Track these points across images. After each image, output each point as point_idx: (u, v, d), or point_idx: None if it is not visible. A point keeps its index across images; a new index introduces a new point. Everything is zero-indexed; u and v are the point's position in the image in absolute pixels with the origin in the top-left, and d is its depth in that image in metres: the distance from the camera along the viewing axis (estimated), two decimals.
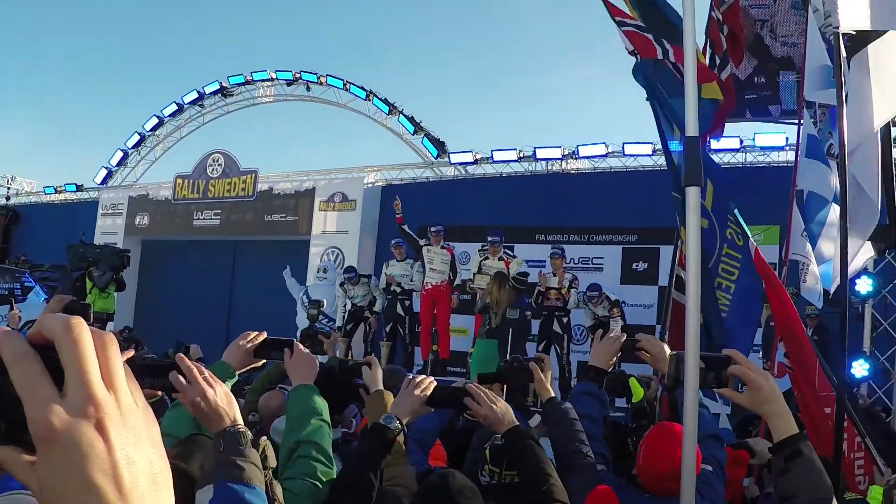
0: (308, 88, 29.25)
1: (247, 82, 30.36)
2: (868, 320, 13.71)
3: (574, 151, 23.25)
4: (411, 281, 18.30)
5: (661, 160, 19.77)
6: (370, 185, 26.09)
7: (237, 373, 4.26)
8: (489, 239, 17.40)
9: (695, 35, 4.37)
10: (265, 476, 3.18)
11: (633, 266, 20.07)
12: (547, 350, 16.14)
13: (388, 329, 18.68)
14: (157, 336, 22.17)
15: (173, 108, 31.77)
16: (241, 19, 77.85)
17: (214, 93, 31.02)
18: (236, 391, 6.61)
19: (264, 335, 4.37)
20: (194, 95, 31.29)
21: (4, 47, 72.60)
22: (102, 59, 77.86)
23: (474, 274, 17.38)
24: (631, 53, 7.85)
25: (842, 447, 6.35)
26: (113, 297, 16.70)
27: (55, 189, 34.64)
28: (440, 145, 25.98)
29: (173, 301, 29.22)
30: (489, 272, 16.69)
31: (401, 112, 26.89)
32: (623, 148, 22.26)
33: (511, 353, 14.15)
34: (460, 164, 25.37)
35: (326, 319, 19.97)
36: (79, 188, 33.84)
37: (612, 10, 7.99)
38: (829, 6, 7.04)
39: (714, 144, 18.74)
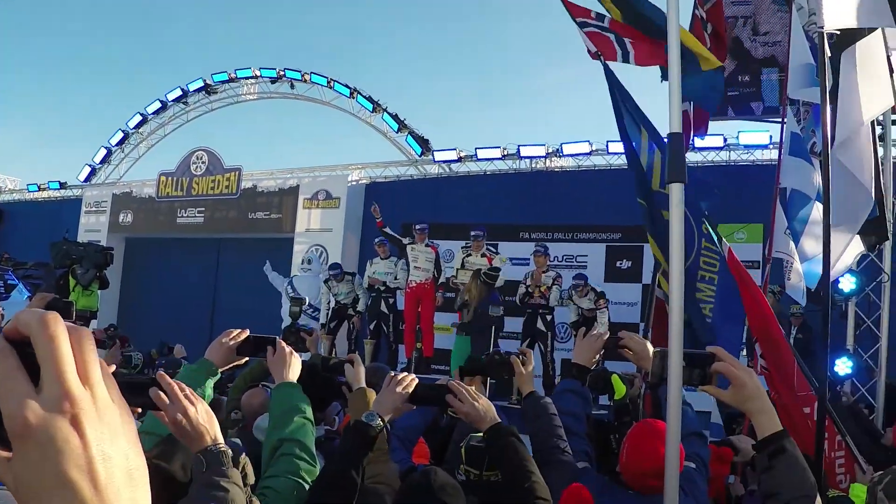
0: (292, 86, 29.23)
1: (231, 80, 30.31)
2: (851, 318, 13.73)
3: (558, 149, 23.27)
4: (395, 279, 18.32)
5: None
6: (354, 183, 26.08)
7: (220, 370, 4.24)
8: (472, 234, 17.42)
9: (678, 32, 4.36)
10: (246, 494, 3.18)
11: (617, 264, 20.11)
12: (531, 348, 16.12)
13: (372, 327, 18.68)
14: (141, 334, 22.15)
15: (157, 105, 31.70)
16: (226, 17, 77.82)
17: (198, 90, 30.97)
18: (219, 388, 6.61)
19: (247, 333, 4.36)
20: (178, 93, 31.24)
21: None
22: (86, 56, 77.83)
23: (457, 270, 17.43)
24: (594, 56, 7.84)
25: (823, 444, 6.36)
26: (96, 294, 16.59)
27: (39, 187, 34.54)
28: (424, 143, 25.97)
29: (157, 299, 29.18)
30: (472, 268, 16.72)
31: (385, 110, 26.87)
32: (607, 146, 22.23)
33: (483, 350, 14.17)
34: (444, 161, 25.37)
35: (311, 310, 19.97)
36: (62, 186, 33.77)
37: (574, 11, 7.96)
38: (814, 5, 7.06)
39: (698, 143, 18.84)
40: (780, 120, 10.03)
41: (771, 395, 7.52)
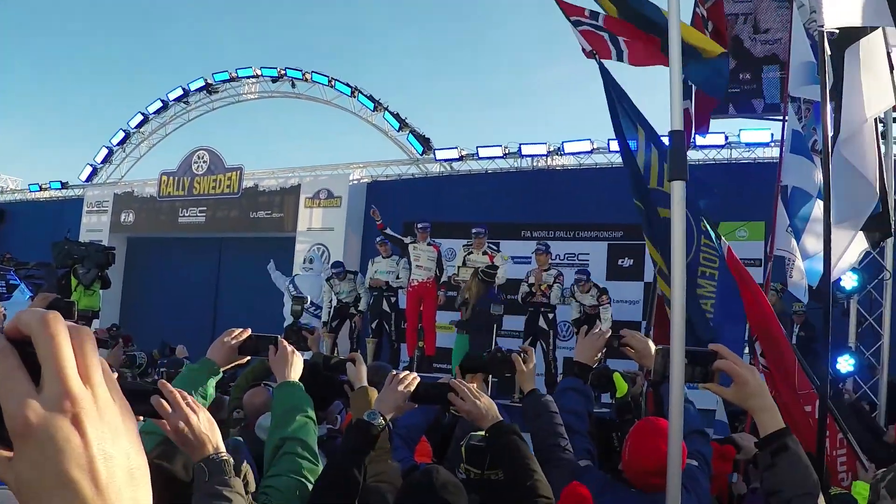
0: (293, 85, 29.22)
1: (232, 79, 30.30)
2: (853, 315, 13.73)
3: (559, 148, 23.26)
4: (397, 278, 18.32)
5: None
6: (355, 182, 26.08)
7: (222, 369, 4.25)
8: (473, 231, 17.40)
9: (679, 29, 4.36)
10: (247, 502, 3.18)
11: (619, 262, 20.10)
12: (533, 346, 16.09)
13: (373, 326, 18.69)
14: (143, 333, 22.13)
15: (158, 105, 31.71)
16: (227, 16, 77.81)
17: (199, 90, 30.99)
18: (221, 388, 6.61)
19: (248, 332, 4.36)
20: (179, 92, 31.25)
21: None
22: (87, 56, 77.84)
23: (458, 267, 17.42)
24: (589, 55, 7.81)
25: (824, 442, 6.36)
26: (98, 294, 16.59)
27: (40, 187, 34.52)
28: (425, 142, 25.96)
29: (159, 298, 29.18)
30: (473, 266, 16.73)
31: (386, 109, 26.86)
32: (608, 144, 22.15)
33: (481, 348, 14.16)
34: (445, 160, 25.36)
35: (314, 308, 19.97)
36: (64, 186, 33.76)
37: (568, 10, 7.92)
38: (814, 4, 7.06)
39: (700, 141, 18.84)
40: (781, 118, 10.03)
41: (771, 393, 7.52)
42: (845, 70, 7.10)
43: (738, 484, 6.84)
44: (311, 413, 4.12)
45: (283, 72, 28.95)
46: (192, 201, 28.27)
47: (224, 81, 30.52)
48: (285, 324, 15.47)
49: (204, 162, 28.05)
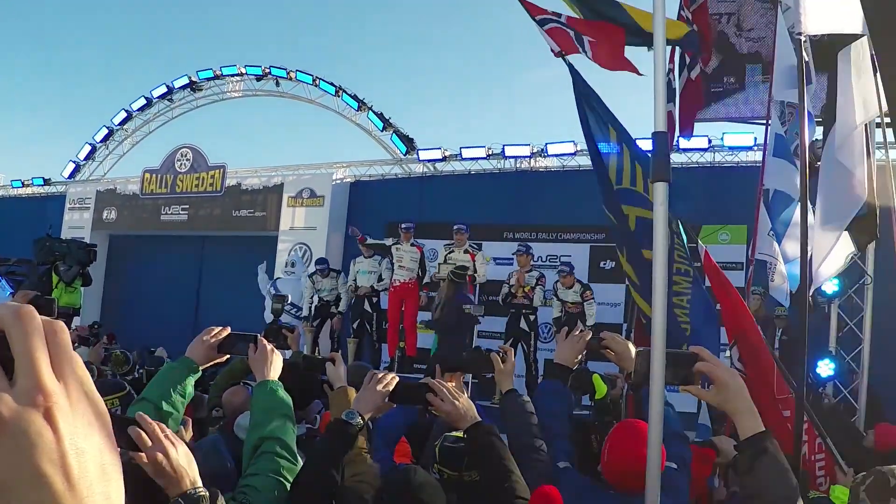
0: (277, 84, 29.19)
1: (216, 77, 30.28)
2: (834, 320, 13.79)
3: (543, 149, 23.22)
4: (380, 281, 18.33)
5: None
6: (339, 182, 26.01)
7: (201, 368, 4.24)
8: (454, 227, 17.50)
9: (664, 32, 4.36)
10: None
11: (601, 264, 20.10)
12: (514, 348, 16.06)
13: (355, 326, 18.74)
14: (124, 331, 22.12)
15: (142, 102, 31.65)
16: (212, 14, 77.60)
17: (183, 87, 30.93)
18: (201, 386, 6.60)
19: (228, 330, 4.36)
20: (163, 90, 31.19)
21: None
22: (71, 52, 77.54)
23: (440, 265, 17.48)
24: (557, 54, 7.79)
25: (801, 447, 6.38)
26: (79, 291, 16.62)
27: (22, 183, 34.40)
28: (409, 142, 25.96)
29: (140, 296, 29.09)
30: (453, 264, 16.75)
31: (370, 108, 26.87)
32: None
33: (453, 348, 14.17)
34: (429, 161, 25.32)
35: (294, 309, 19.96)
36: (46, 182, 33.62)
37: (532, 10, 7.89)
38: (794, 14, 7.10)
39: (683, 144, 18.86)
40: (764, 121, 10.05)
41: None
42: (839, 73, 7.14)
43: (719, 490, 6.85)
44: (291, 412, 4.12)
45: (267, 70, 28.92)
46: (175, 199, 28.19)
47: (208, 79, 30.50)
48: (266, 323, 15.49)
49: (187, 160, 27.99)
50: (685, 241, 7.69)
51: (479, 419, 4.12)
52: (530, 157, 23.50)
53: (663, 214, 4.08)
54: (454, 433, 4.39)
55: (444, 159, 24.91)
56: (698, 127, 11.46)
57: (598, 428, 5.71)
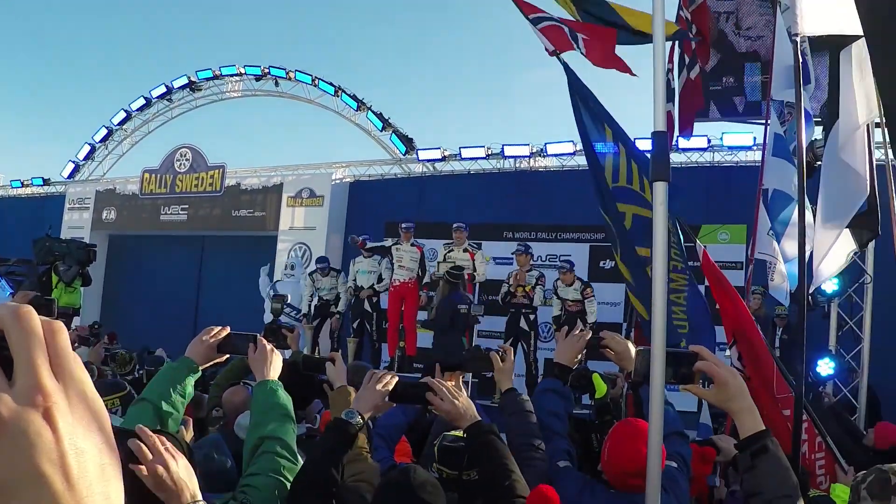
0: (277, 84, 29.22)
1: (215, 77, 30.31)
2: (834, 319, 13.81)
3: (542, 149, 23.25)
4: (379, 282, 18.32)
5: None
6: (338, 182, 26.04)
7: (200, 368, 4.24)
8: (454, 226, 17.48)
9: (664, 32, 4.36)
10: None
11: (601, 264, 20.06)
12: (514, 347, 16.02)
13: (355, 325, 18.72)
14: (124, 331, 22.07)
15: (141, 102, 31.72)
16: (210, 14, 77.54)
17: (183, 87, 30.98)
18: (201, 386, 6.60)
19: (227, 330, 4.36)
20: (162, 90, 31.24)
21: None
22: (70, 52, 77.50)
23: (439, 264, 17.44)
24: (552, 53, 7.75)
25: (800, 445, 6.38)
26: (79, 291, 16.62)
27: (22, 183, 34.45)
28: (408, 142, 25.98)
29: (140, 296, 29.13)
30: (453, 262, 16.75)
31: (369, 108, 26.89)
32: None
33: (447, 347, 14.15)
34: (428, 160, 25.36)
35: (293, 311, 19.95)
36: (46, 182, 33.67)
37: (525, 8, 7.84)
38: (791, 16, 7.11)
39: (682, 143, 18.87)
40: (763, 120, 10.05)
41: None
42: (841, 73, 7.15)
43: (720, 488, 6.85)
44: (291, 412, 4.12)
45: (266, 70, 28.95)
46: (175, 199, 28.23)
47: (208, 79, 30.54)
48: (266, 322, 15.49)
49: (186, 160, 28.01)
50: (681, 238, 7.68)
51: (479, 418, 4.12)
52: (530, 156, 23.53)
53: (663, 214, 4.08)
54: (453, 432, 4.39)
55: (443, 159, 24.94)
56: (697, 127, 11.45)
57: (599, 427, 5.71)
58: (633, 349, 4.87)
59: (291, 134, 75.45)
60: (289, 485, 3.76)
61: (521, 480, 3.91)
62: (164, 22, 75.32)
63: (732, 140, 20.67)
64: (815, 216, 8.41)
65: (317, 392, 5.73)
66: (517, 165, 23.99)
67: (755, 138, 19.39)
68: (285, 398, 4.14)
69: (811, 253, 8.02)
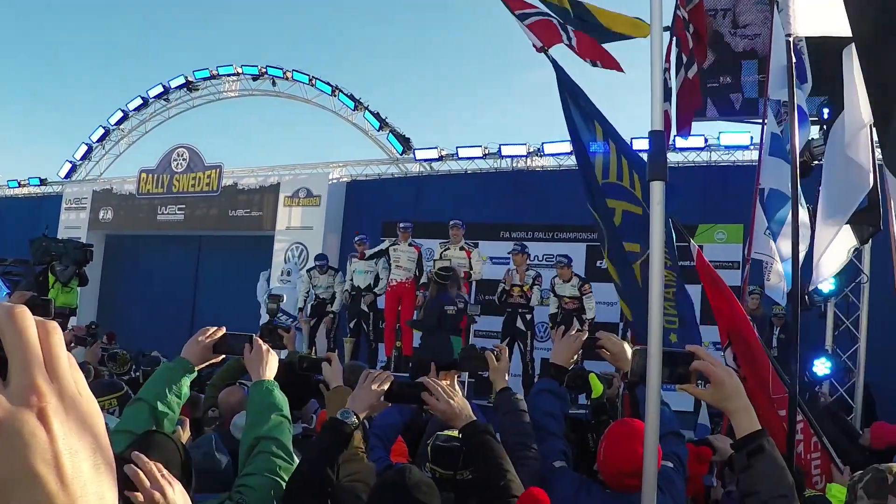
0: (274, 83, 29.23)
1: (212, 76, 30.31)
2: (830, 319, 13.82)
3: (539, 149, 23.25)
4: (376, 282, 18.31)
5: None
6: (335, 181, 26.05)
7: (196, 368, 4.24)
8: (450, 223, 17.48)
9: (661, 31, 4.36)
10: None
11: (598, 263, 20.02)
12: (511, 347, 16.04)
13: (352, 325, 18.71)
14: (121, 331, 22.07)
15: (138, 102, 31.70)
16: (208, 13, 77.52)
17: (180, 87, 30.97)
18: (197, 386, 6.60)
19: (223, 330, 4.35)
20: (159, 90, 31.24)
21: None
22: (67, 52, 77.49)
23: (435, 261, 17.40)
24: (539, 50, 7.72)
25: (794, 444, 6.38)
26: (76, 291, 16.63)
27: (19, 183, 34.40)
28: (405, 141, 25.99)
29: (137, 296, 29.14)
30: (449, 261, 16.75)
31: (366, 108, 26.89)
32: None
33: (433, 347, 14.12)
34: (425, 160, 25.35)
35: (290, 319, 19.96)
36: (43, 182, 33.63)
37: (512, 4, 7.82)
38: (784, 16, 7.12)
39: (679, 143, 18.88)
40: (759, 120, 10.06)
41: None
42: (844, 71, 7.15)
43: (717, 488, 6.85)
44: (286, 412, 4.12)
45: (263, 70, 28.96)
46: (172, 199, 28.22)
47: (205, 79, 30.53)
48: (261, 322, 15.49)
49: (183, 160, 28.02)
50: (674, 237, 7.68)
51: (474, 418, 4.12)
52: (527, 156, 23.55)
53: (660, 213, 4.08)
54: (446, 432, 4.40)
55: (440, 159, 24.95)
56: (695, 126, 11.46)
57: (595, 427, 5.71)
58: (628, 350, 4.87)
59: (288, 134, 75.51)
60: (285, 485, 3.77)
61: (516, 480, 3.91)
62: (162, 22, 75.36)
63: (729, 139, 20.68)
64: (811, 215, 8.41)
65: (313, 392, 5.73)
66: (514, 165, 24.00)
67: (752, 138, 19.44)
68: (281, 398, 4.15)
69: (807, 252, 8.01)
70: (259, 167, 28.60)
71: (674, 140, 13.40)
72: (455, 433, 4.24)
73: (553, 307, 17.07)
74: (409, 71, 77.99)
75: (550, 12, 7.54)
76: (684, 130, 10.37)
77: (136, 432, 3.76)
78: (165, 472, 3.04)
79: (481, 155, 24.19)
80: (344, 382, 5.12)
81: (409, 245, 17.80)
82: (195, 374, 4.27)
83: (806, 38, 7.96)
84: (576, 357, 5.34)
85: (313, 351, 17.83)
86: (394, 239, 18.01)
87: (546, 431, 4.78)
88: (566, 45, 7.55)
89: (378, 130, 26.71)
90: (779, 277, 9.26)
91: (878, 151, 9.44)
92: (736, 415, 3.42)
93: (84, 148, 32.43)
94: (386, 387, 4.16)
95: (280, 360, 4.48)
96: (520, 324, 16.61)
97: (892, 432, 9.13)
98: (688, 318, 7.70)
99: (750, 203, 9.53)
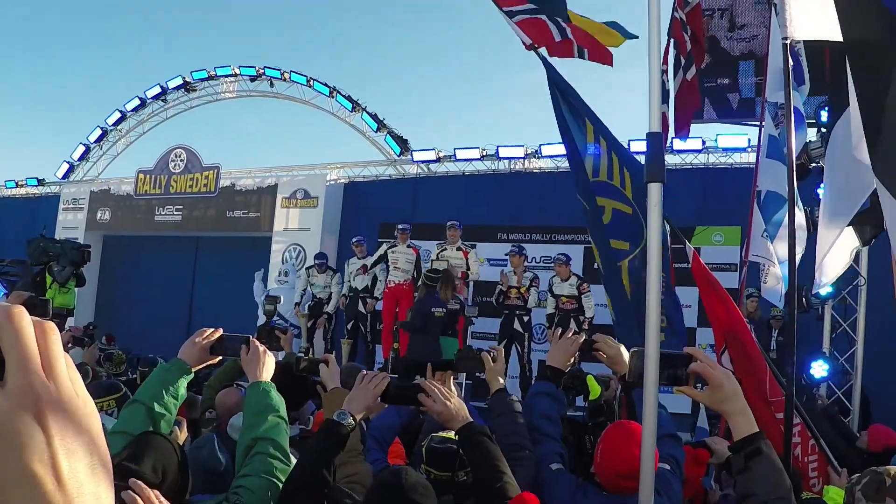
0: (271, 84, 29.19)
1: (210, 77, 30.24)
2: (828, 321, 13.82)
3: (537, 150, 23.21)
4: (374, 284, 18.32)
5: None
6: (332, 183, 26.01)
7: (193, 369, 4.24)
8: (448, 223, 17.52)
9: (659, 33, 4.36)
10: None
11: (595, 265, 19.98)
12: (508, 349, 16.04)
13: (349, 327, 18.72)
14: (118, 332, 22.08)
15: (136, 102, 31.60)
16: (206, 14, 77.54)
17: (177, 88, 30.89)
18: (195, 387, 6.60)
19: (220, 332, 4.35)
20: (157, 90, 31.14)
21: None
22: (65, 52, 77.45)
23: (432, 261, 17.41)
24: (529, 47, 7.70)
25: (791, 446, 6.39)
26: (73, 292, 16.59)
27: (16, 183, 34.31)
28: (403, 143, 25.95)
29: (134, 297, 29.12)
30: (446, 261, 16.77)
31: (364, 109, 26.83)
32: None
33: (421, 349, 14.10)
34: (423, 162, 25.29)
35: (287, 324, 19.94)
36: (40, 182, 33.55)
37: (500, 1, 7.79)
38: (782, 19, 7.13)
39: (677, 145, 18.88)
40: (757, 123, 10.07)
41: None
42: (849, 72, 7.16)
43: (715, 492, 6.85)
44: (283, 413, 4.12)
45: (261, 71, 28.90)
46: (169, 200, 28.17)
47: (202, 80, 30.45)
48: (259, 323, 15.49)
49: (181, 160, 27.97)
50: (668, 239, 7.69)
51: (471, 420, 4.12)
52: (524, 158, 23.50)
53: (658, 215, 4.08)
54: (441, 433, 4.40)
55: (438, 160, 24.90)
56: (693, 128, 11.47)
57: (592, 429, 5.72)
58: (625, 352, 4.87)
59: (286, 135, 75.44)
60: (281, 485, 3.77)
61: (512, 482, 3.91)
62: (160, 22, 75.31)
63: (727, 142, 20.63)
64: (807, 217, 8.41)
65: (310, 393, 5.75)
66: (512, 167, 23.95)
67: (750, 140, 19.42)
68: (278, 399, 4.15)
69: (803, 254, 8.01)
70: (257, 168, 28.58)
71: (671, 142, 13.41)
72: (450, 434, 4.25)
73: (550, 307, 17.03)
74: (407, 72, 77.99)
75: (539, 7, 7.51)
76: (683, 132, 10.38)
77: (132, 433, 3.76)
78: (161, 498, 3.04)
79: (479, 156, 24.15)
80: (341, 384, 5.12)
81: (408, 247, 17.83)
82: (192, 375, 4.27)
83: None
84: (573, 360, 5.34)
85: (311, 352, 17.85)
86: (392, 241, 18.00)
87: (543, 434, 4.78)
88: (557, 43, 7.54)
89: (376, 132, 26.65)
90: (776, 280, 9.26)
91: None
92: (733, 417, 3.42)
93: (82, 148, 32.35)
94: (383, 388, 4.16)
95: (277, 362, 4.48)
96: (517, 326, 16.61)
97: (890, 435, 9.14)
98: (675, 319, 7.71)
99: (747, 205, 9.53)
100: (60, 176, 32.54)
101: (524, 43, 7.67)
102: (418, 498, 3.52)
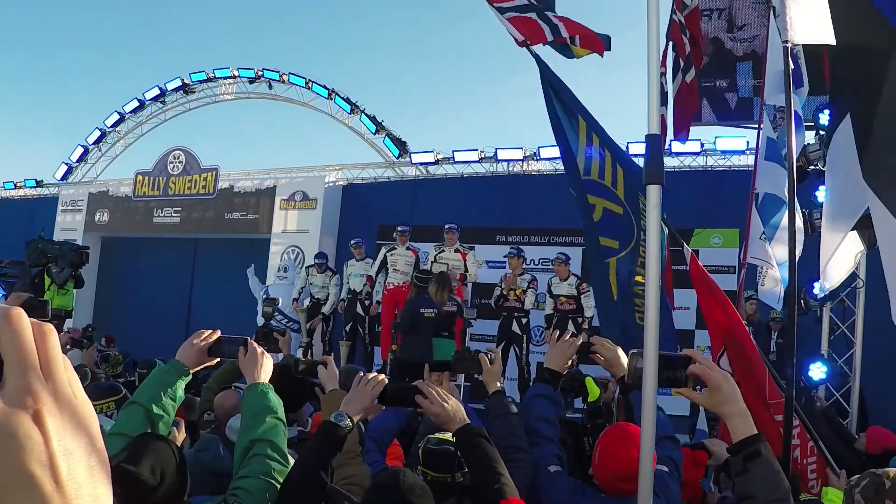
0: (270, 86, 29.16)
1: (209, 79, 30.21)
2: (826, 323, 13.81)
3: (535, 153, 23.19)
4: (373, 287, 18.32)
5: None
6: (331, 185, 25.99)
7: (191, 371, 4.24)
8: (445, 226, 17.51)
9: (658, 36, 4.36)
10: None
11: None
12: (506, 351, 16.05)
13: (347, 329, 18.72)
14: (116, 333, 22.11)
15: (135, 104, 31.54)
16: (204, 15, 77.54)
17: (176, 90, 30.84)
18: (193, 389, 6.59)
19: (218, 334, 4.35)
20: (156, 92, 31.10)
21: None
22: (63, 53, 77.43)
23: (431, 264, 17.41)
24: (521, 44, 7.67)
25: (790, 448, 6.38)
26: (72, 294, 16.61)
27: (15, 184, 34.26)
28: (401, 145, 25.93)
29: (133, 298, 29.08)
30: (444, 263, 16.78)
31: (362, 111, 26.81)
32: None
33: (411, 350, 14.09)
34: (421, 164, 25.27)
35: (286, 320, 19.95)
36: (38, 184, 33.54)
37: None
38: (781, 22, 7.13)
39: (676, 147, 18.89)
40: (756, 125, 10.07)
41: None
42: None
43: (713, 494, 6.84)
44: (282, 415, 4.12)
45: (260, 73, 28.87)
46: (167, 201, 28.14)
47: (201, 82, 30.42)
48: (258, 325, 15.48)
49: (180, 162, 27.95)
50: (663, 242, 7.69)
51: (468, 421, 4.12)
52: (523, 160, 23.49)
53: (657, 217, 4.08)
54: (437, 435, 4.40)
55: (436, 162, 24.89)
56: (691, 130, 11.47)
57: (591, 431, 5.72)
58: (622, 354, 4.87)
59: (285, 137, 75.40)
60: (279, 487, 3.77)
61: (510, 484, 3.91)
62: (158, 24, 75.27)
63: (725, 144, 20.63)
64: (805, 220, 8.42)
65: (309, 395, 5.73)
66: (510, 169, 23.95)
67: (748, 142, 19.39)
68: (276, 401, 4.15)
69: (800, 256, 8.01)
70: (255, 170, 28.56)
71: (670, 144, 13.40)
72: (447, 436, 4.24)
73: (548, 308, 17.01)
74: (405, 74, 77.98)
75: (528, 4, 7.50)
76: (683, 134, 10.39)
77: (130, 435, 3.76)
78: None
79: (477, 159, 24.14)
80: (340, 386, 5.12)
81: (407, 249, 17.83)
82: (190, 376, 4.26)
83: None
84: (570, 362, 5.35)
85: (310, 354, 17.85)
86: (390, 243, 18.00)
87: (540, 436, 4.78)
88: (549, 42, 7.53)
89: (374, 134, 26.61)
90: (773, 282, 9.27)
91: None
92: (732, 419, 3.42)
93: (80, 150, 32.31)
94: (380, 389, 4.16)
95: (275, 364, 4.48)
96: (515, 328, 16.61)
97: (888, 437, 9.15)
98: (664, 321, 7.70)
99: (746, 207, 9.53)
100: (59, 177, 32.51)
101: (516, 39, 7.64)
102: (416, 499, 3.52)
